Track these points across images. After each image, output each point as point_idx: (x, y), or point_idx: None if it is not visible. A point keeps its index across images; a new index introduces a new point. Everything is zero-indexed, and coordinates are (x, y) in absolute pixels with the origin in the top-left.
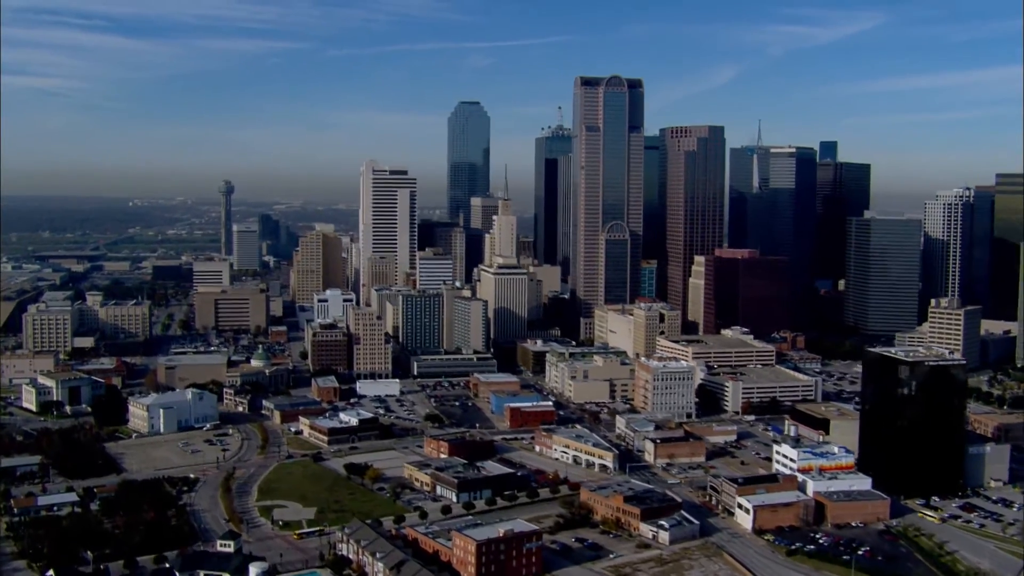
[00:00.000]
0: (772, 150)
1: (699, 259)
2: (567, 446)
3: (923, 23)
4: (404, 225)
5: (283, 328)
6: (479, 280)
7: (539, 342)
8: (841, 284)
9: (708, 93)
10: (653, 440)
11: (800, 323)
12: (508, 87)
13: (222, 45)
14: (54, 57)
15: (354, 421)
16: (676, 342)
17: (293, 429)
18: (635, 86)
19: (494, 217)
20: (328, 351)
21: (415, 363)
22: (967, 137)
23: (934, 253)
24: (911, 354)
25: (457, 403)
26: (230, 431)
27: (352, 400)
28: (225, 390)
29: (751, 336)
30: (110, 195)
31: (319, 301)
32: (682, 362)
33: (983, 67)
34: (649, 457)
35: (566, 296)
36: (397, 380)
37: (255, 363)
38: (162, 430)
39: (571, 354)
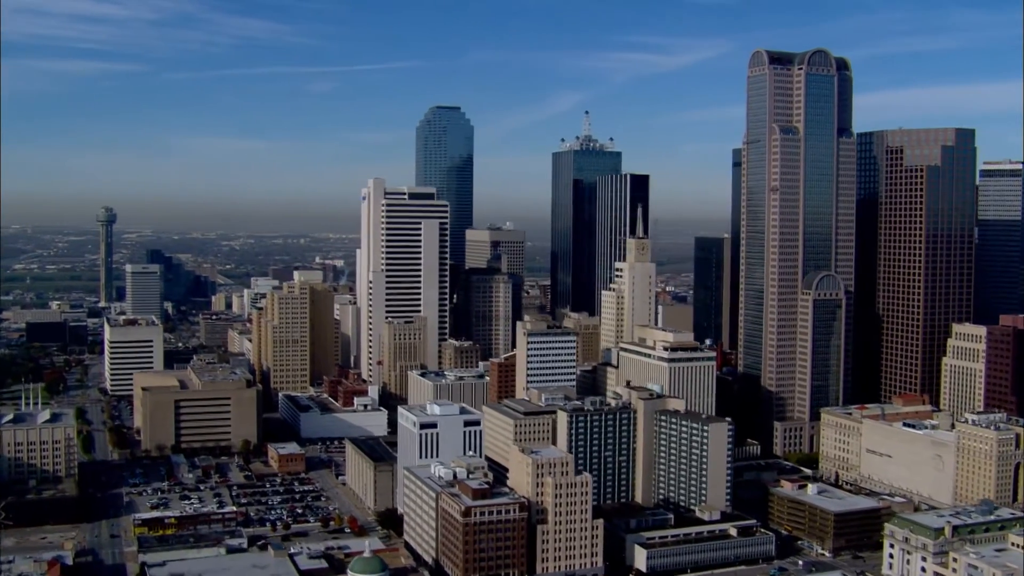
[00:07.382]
0: (983, 166)
1: (969, 329)
2: None
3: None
4: (431, 272)
5: (295, 448)
6: (615, 365)
7: (812, 488)
8: None
9: (550, 120)
10: None
11: None
12: (351, 113)
13: (54, 66)
14: None
15: None
16: None
17: None
18: (843, 68)
19: (619, 265)
20: (492, 542)
21: (638, 550)
22: None
23: None
24: None
25: None
26: None
27: None
28: None
29: None
30: None
31: (422, 427)
32: None
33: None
34: None
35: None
36: None
37: None
38: None
39: (955, 528)
